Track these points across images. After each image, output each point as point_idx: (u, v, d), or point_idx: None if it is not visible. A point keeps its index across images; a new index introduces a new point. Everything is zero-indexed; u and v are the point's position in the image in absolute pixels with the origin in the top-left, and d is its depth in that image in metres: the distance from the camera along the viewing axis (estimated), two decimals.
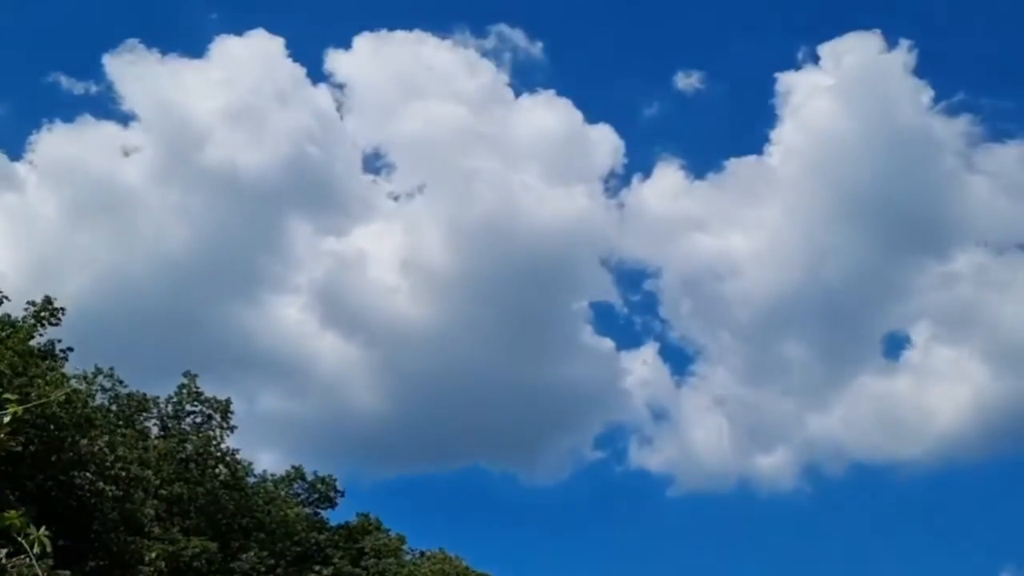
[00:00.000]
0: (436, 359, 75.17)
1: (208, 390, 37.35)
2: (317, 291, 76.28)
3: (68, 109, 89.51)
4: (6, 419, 4.42)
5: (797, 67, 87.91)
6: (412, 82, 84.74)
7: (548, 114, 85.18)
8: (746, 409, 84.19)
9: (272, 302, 75.48)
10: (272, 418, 71.42)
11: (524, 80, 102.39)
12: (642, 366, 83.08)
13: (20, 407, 4.44)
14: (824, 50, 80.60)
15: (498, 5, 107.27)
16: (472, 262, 78.07)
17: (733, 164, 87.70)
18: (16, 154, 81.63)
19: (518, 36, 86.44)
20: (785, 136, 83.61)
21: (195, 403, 36.49)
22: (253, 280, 74.48)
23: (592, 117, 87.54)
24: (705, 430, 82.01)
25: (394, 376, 76.47)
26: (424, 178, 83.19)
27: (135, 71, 76.42)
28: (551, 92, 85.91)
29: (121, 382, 35.24)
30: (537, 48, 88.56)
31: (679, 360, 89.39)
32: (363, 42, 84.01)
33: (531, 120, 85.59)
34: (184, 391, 36.58)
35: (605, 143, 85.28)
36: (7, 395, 4.57)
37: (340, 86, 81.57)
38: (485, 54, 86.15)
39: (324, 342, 78.55)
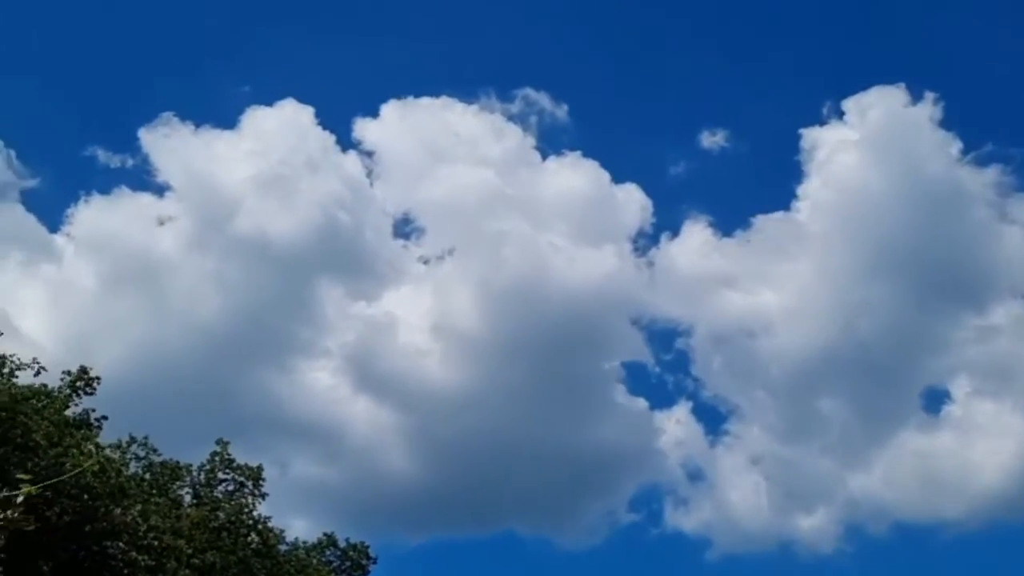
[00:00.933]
0: (468, 422, 74.95)
1: (241, 457, 37.56)
2: (348, 355, 76.62)
3: (105, 181, 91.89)
4: (19, 499, 4.53)
5: (822, 122, 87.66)
6: (440, 147, 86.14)
7: (575, 175, 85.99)
8: (784, 468, 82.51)
9: (304, 367, 75.88)
10: (304, 484, 71.26)
11: (550, 142, 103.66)
12: (675, 425, 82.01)
13: (35, 487, 4.56)
14: (848, 105, 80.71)
15: (523, 70, 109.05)
16: (503, 324, 78.26)
17: (761, 221, 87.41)
18: (54, 226, 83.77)
19: (543, 99, 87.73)
20: (812, 191, 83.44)
21: (227, 470, 36.62)
22: (285, 346, 75.08)
23: (619, 177, 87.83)
24: (742, 490, 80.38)
25: (427, 440, 76.24)
26: (453, 241, 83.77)
27: (170, 143, 78.57)
28: (577, 154, 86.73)
29: (155, 450, 35.57)
30: (562, 111, 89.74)
31: (713, 419, 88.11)
32: (390, 109, 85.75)
33: (558, 182, 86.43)
34: (216, 459, 36.76)
35: (633, 203, 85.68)
36: (20, 475, 4.69)
37: (369, 153, 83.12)
38: (511, 118, 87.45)
39: (356, 407, 78.61)
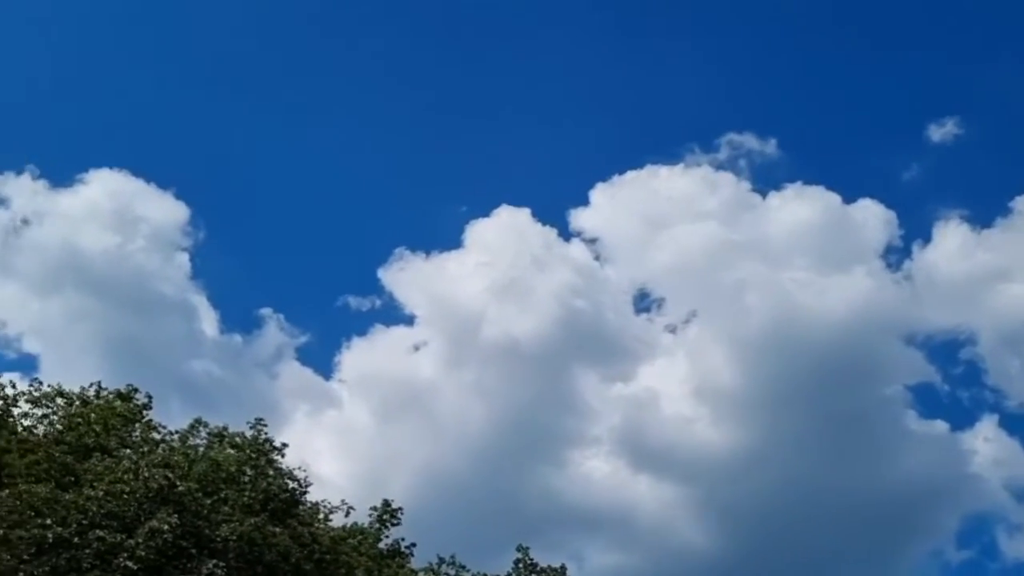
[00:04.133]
0: (752, 483, 71.86)
1: (538, 558, 38.02)
2: (618, 438, 76.37)
3: (360, 324, 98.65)
4: None
5: None
6: (657, 214, 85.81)
7: (801, 206, 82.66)
8: None
9: (577, 458, 76.32)
10: (605, 574, 70.83)
11: (766, 180, 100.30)
12: (985, 444, 74.49)
13: None
14: None
15: (720, 117, 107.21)
16: (764, 373, 75.24)
17: (1020, 203, 79.67)
18: (328, 374, 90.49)
19: (748, 140, 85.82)
20: None
21: (533, 574, 37.12)
22: (555, 440, 76.05)
23: (849, 196, 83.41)
24: None
25: (715, 508, 73.70)
26: (694, 303, 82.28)
27: (407, 276, 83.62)
28: (797, 184, 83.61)
29: (464, 567, 36.80)
30: (771, 146, 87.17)
31: None
32: (599, 193, 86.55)
33: (785, 217, 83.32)
34: (520, 565, 37.41)
35: (872, 218, 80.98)
36: None
37: (592, 240, 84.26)
38: (720, 166, 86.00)
39: (638, 487, 77.66)
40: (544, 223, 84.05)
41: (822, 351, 72.76)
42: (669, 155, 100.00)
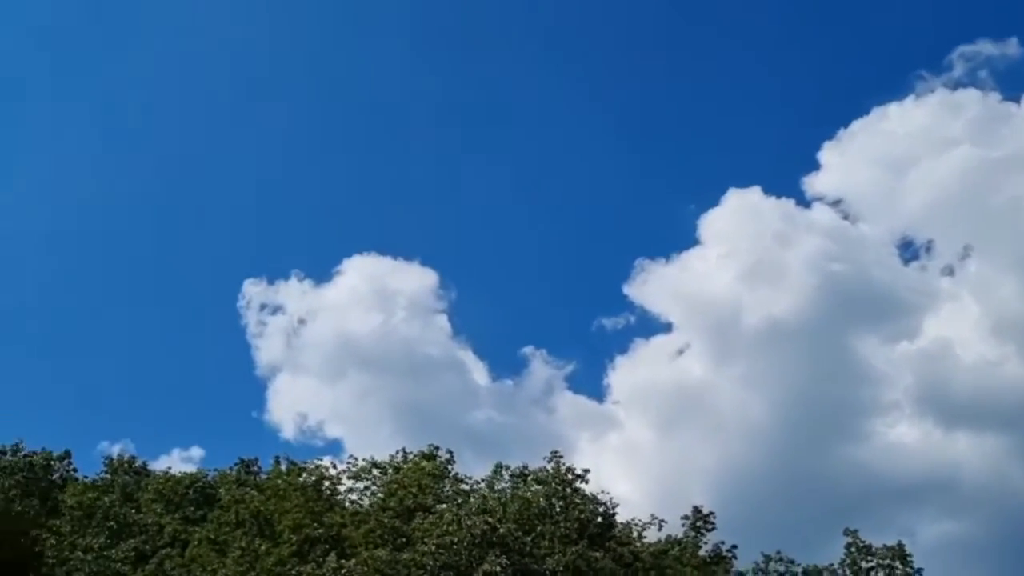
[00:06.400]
0: None
1: (867, 540, 35.87)
2: (917, 398, 70.47)
3: (620, 342, 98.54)
4: None
5: None
6: (899, 156, 79.99)
7: None
8: None
9: (878, 427, 70.64)
10: (941, 546, 65.39)
11: (1016, 84, 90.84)
12: None
13: None
14: None
15: (942, 33, 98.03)
16: None
17: None
18: (601, 397, 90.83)
19: (984, 47, 79.25)
20: None
21: (869, 557, 35.06)
22: (847, 415, 71.59)
23: None
24: None
25: None
26: (966, 237, 75.03)
27: (653, 285, 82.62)
28: None
29: (792, 561, 35.54)
30: (1012, 46, 79.91)
31: None
32: (829, 152, 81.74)
33: None
34: (852, 549, 35.53)
35: None
36: None
37: (835, 201, 79.77)
38: (957, 85, 79.75)
39: (956, 446, 70.39)
40: (778, 196, 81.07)
41: None
42: (894, 91, 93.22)
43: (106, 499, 36.49)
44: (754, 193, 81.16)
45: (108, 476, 39.77)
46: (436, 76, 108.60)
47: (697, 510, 33.76)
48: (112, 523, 35.17)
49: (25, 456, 39.41)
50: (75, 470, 40.08)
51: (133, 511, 36.12)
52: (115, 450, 44.44)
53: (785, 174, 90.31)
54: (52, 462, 39.83)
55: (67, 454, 40.76)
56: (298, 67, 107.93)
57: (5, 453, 39.47)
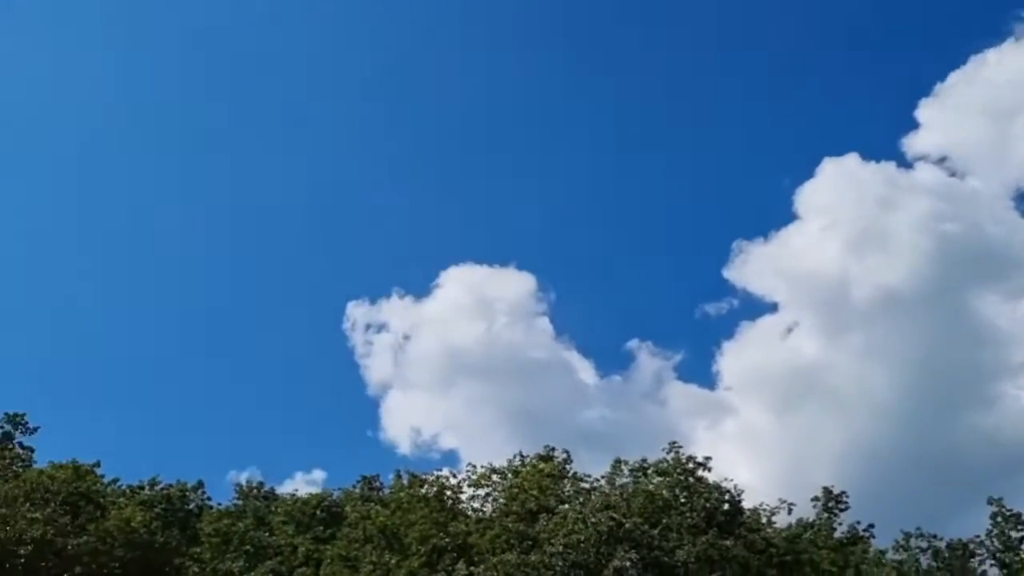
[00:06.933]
0: None
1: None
2: None
3: (726, 326, 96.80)
4: None
5: None
6: (1004, 104, 77.51)
7: None
8: None
9: (1009, 390, 68.00)
10: None
11: None
12: None
13: None
14: None
15: None
16: None
17: None
18: (712, 385, 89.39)
19: None
20: None
21: (1019, 526, 33.28)
22: (972, 380, 68.52)
23: None
24: None
25: None
26: None
27: (754, 266, 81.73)
28: None
29: (935, 536, 34.09)
30: None
31: None
32: (927, 109, 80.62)
33: None
34: (998, 518, 33.80)
35: None
36: None
37: (940, 159, 78.14)
38: None
39: None
40: (877, 160, 78.24)
41: None
42: (991, 37, 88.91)
43: (240, 524, 37.73)
44: (851, 160, 78.76)
45: (240, 502, 41.12)
46: (516, 79, 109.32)
47: (828, 491, 32.69)
48: (248, 547, 36.34)
49: (162, 489, 41.05)
50: (209, 499, 41.58)
51: (266, 534, 37.25)
52: (243, 478, 45.95)
53: (882, 137, 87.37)
54: (187, 493, 41.37)
55: (200, 484, 42.26)
56: (387, 86, 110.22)
57: (143, 488, 41.22)
